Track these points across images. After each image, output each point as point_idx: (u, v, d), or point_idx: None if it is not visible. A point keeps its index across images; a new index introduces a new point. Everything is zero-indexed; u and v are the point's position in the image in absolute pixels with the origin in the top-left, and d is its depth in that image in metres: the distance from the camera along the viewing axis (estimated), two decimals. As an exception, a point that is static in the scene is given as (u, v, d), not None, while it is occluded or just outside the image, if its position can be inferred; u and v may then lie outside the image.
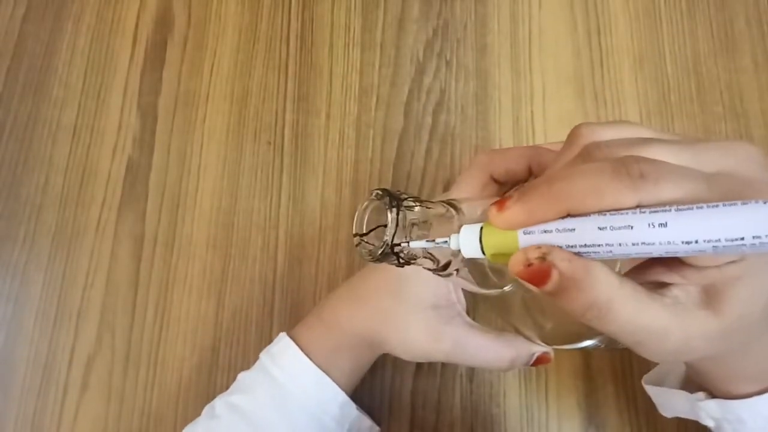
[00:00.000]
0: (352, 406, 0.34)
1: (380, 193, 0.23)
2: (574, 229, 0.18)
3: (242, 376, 0.35)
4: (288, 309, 0.44)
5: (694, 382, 0.28)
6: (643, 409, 0.39)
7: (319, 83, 0.50)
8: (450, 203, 0.24)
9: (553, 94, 0.47)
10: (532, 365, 0.32)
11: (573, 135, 0.21)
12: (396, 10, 0.51)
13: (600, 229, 0.17)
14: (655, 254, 0.17)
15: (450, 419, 0.40)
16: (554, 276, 0.18)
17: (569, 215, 0.18)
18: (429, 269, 0.24)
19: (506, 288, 0.26)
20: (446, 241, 0.21)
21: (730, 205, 0.16)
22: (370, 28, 0.51)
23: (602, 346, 0.32)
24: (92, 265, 0.46)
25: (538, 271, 0.18)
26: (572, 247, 0.18)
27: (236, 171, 0.48)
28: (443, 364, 0.41)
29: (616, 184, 0.17)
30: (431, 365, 0.42)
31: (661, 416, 0.39)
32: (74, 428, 0.43)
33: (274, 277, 0.45)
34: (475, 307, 0.42)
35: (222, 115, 0.50)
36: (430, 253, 0.23)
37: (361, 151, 0.47)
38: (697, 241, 0.16)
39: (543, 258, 0.18)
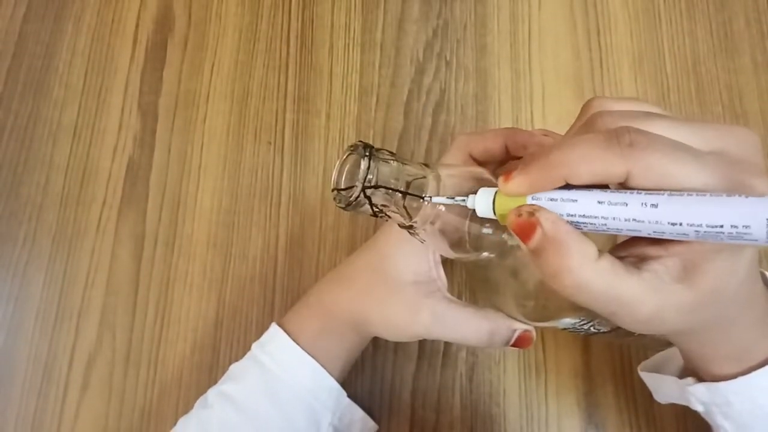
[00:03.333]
0: (342, 393, 0.35)
1: (355, 145, 0.24)
2: (576, 200, 0.20)
3: (233, 366, 0.35)
4: (288, 308, 0.44)
5: (689, 371, 0.29)
6: (642, 409, 0.39)
7: (319, 83, 0.50)
8: (427, 165, 0.25)
9: (552, 94, 0.47)
10: (513, 345, 0.32)
11: (585, 107, 0.22)
12: (396, 10, 0.51)
13: (599, 202, 0.19)
14: (643, 232, 0.19)
15: (450, 419, 0.41)
16: (538, 233, 0.20)
17: (568, 184, 0.20)
18: (400, 224, 0.25)
19: (481, 255, 0.28)
20: (464, 200, 0.23)
21: (716, 196, 0.18)
22: (370, 28, 0.51)
23: (585, 326, 0.32)
24: (93, 264, 0.46)
25: (526, 225, 0.20)
26: (572, 215, 0.20)
27: (237, 171, 0.48)
28: (443, 363, 0.41)
29: (606, 152, 0.19)
30: (431, 363, 0.42)
31: (661, 416, 0.39)
32: (75, 427, 0.43)
33: (275, 277, 0.45)
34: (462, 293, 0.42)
35: (222, 115, 0.50)
36: (405, 207, 0.24)
37: (361, 151, 0.47)
38: (681, 224, 0.18)
39: (532, 213, 0.20)
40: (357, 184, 0.24)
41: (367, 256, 0.34)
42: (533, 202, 0.21)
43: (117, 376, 0.44)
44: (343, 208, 0.24)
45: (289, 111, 0.49)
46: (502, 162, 0.32)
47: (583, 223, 0.20)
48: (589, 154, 0.19)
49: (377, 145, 0.25)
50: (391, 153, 0.25)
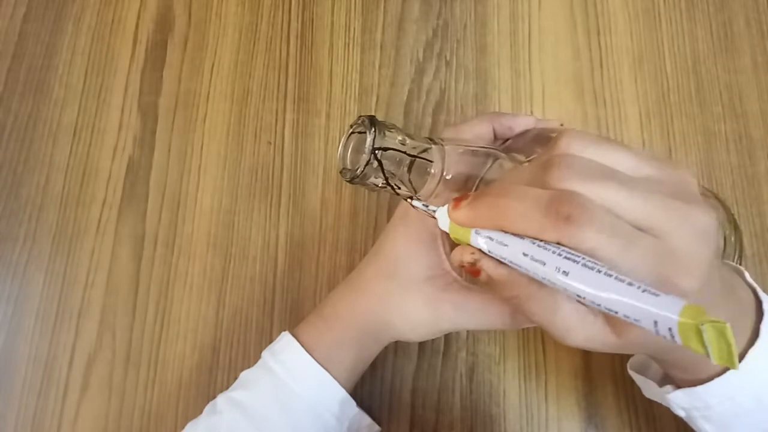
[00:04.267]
0: (352, 403, 0.35)
1: (360, 121, 0.25)
2: (507, 245, 0.21)
3: (244, 374, 0.35)
4: (288, 309, 0.44)
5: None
6: (642, 409, 0.39)
7: (319, 83, 0.50)
8: (431, 139, 0.26)
9: (552, 94, 0.47)
10: None
11: (556, 138, 0.22)
12: (396, 10, 0.51)
13: (524, 254, 0.21)
14: (558, 289, 0.20)
15: (450, 419, 0.41)
16: (483, 276, 0.23)
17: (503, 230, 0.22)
18: (404, 198, 0.26)
19: None
20: (435, 210, 0.25)
21: (619, 280, 0.18)
22: (370, 28, 0.51)
23: None
24: (93, 264, 0.46)
25: (471, 270, 0.23)
26: (504, 258, 0.22)
27: (236, 171, 0.48)
28: (443, 363, 0.42)
29: (543, 219, 0.20)
30: (431, 363, 0.42)
31: (661, 416, 0.39)
32: (75, 427, 0.43)
33: (274, 277, 0.45)
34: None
35: (222, 114, 0.50)
36: (411, 181, 0.26)
37: (361, 151, 0.47)
38: (584, 297, 0.19)
39: (474, 263, 0.23)
40: (364, 154, 0.24)
41: (376, 262, 0.34)
42: (474, 234, 0.23)
43: (117, 376, 0.44)
44: (349, 181, 0.25)
45: (289, 111, 0.49)
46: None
47: (513, 264, 0.22)
48: (527, 215, 0.20)
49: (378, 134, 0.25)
50: (397, 127, 0.25)
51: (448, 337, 0.42)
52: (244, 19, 0.52)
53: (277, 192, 0.47)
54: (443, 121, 0.47)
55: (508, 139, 0.33)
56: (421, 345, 0.42)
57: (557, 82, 0.48)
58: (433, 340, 0.42)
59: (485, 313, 0.31)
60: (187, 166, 0.48)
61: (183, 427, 0.34)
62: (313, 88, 0.50)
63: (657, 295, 0.17)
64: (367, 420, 0.37)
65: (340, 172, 0.25)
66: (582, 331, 0.22)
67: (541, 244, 0.20)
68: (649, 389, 0.31)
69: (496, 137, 0.32)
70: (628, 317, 0.18)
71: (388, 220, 0.36)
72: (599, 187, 0.20)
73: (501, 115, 0.32)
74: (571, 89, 0.47)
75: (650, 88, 0.47)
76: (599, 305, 0.19)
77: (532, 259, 0.20)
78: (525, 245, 0.21)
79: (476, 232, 0.22)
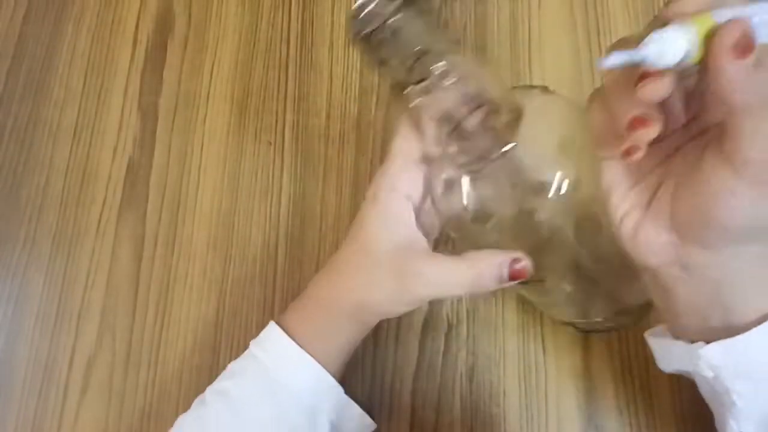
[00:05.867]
0: (340, 390, 0.34)
1: None
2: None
3: (231, 364, 0.35)
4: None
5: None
6: (643, 409, 0.39)
7: (319, 83, 0.50)
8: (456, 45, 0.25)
9: (552, 94, 0.47)
10: (511, 279, 0.30)
11: None
12: (396, 10, 0.51)
13: None
14: None
15: (450, 419, 0.40)
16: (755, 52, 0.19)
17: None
18: (393, 84, 0.24)
19: (467, 149, 0.27)
20: (644, 55, 0.19)
21: None
22: (369, 28, 0.51)
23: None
24: (93, 265, 0.46)
25: (744, 45, 0.19)
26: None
27: (237, 171, 0.48)
28: (443, 363, 0.41)
29: None
30: (431, 363, 0.42)
31: (662, 417, 0.39)
32: (75, 429, 0.43)
33: (275, 277, 0.45)
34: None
35: (222, 115, 0.50)
36: (413, 66, 0.23)
37: (361, 151, 0.47)
38: None
39: (745, 35, 0.19)
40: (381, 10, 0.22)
41: (349, 243, 0.34)
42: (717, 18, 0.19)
43: (117, 377, 0.44)
44: (354, 36, 0.23)
45: (289, 111, 0.49)
46: None
47: None
48: None
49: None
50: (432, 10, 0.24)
51: (448, 337, 0.42)
52: (244, 19, 0.52)
53: (277, 192, 0.47)
54: (443, 122, 0.47)
55: None
56: (421, 345, 0.42)
57: (557, 83, 0.48)
58: (433, 339, 0.42)
59: (447, 276, 0.31)
60: (187, 166, 0.48)
61: (183, 428, 0.35)
62: (312, 88, 0.50)
63: None
64: (357, 410, 0.36)
65: (352, 17, 0.23)
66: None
67: None
68: (671, 356, 0.29)
69: None
70: None
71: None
72: None
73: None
74: (571, 89, 0.47)
75: (650, 88, 0.47)
76: None
77: None
78: None
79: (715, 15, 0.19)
